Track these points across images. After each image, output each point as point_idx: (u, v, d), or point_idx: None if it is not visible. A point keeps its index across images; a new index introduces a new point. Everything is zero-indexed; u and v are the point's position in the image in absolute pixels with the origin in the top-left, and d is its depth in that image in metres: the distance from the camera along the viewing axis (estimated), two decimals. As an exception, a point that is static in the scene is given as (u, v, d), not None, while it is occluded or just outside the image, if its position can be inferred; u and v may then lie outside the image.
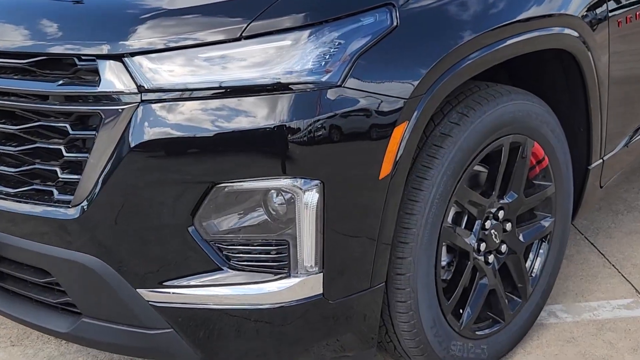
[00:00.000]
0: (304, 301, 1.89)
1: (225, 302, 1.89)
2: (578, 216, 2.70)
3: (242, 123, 1.77)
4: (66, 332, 2.05)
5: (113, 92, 1.80)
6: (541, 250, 2.50)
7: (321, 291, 1.89)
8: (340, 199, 1.85)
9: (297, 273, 1.87)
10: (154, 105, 1.79)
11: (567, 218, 2.53)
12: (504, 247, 2.34)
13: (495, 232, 2.30)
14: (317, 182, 1.80)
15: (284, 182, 1.80)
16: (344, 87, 1.79)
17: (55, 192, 1.92)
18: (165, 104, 1.79)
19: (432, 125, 2.06)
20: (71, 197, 1.88)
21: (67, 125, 1.86)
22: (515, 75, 2.52)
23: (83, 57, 1.84)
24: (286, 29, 1.79)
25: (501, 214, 2.30)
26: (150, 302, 1.91)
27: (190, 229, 1.84)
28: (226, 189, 1.81)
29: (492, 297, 2.35)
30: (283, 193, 1.82)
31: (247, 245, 1.87)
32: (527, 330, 2.50)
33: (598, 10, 2.38)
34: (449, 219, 2.18)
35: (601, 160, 2.64)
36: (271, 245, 1.86)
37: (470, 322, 2.27)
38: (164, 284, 1.90)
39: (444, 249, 2.21)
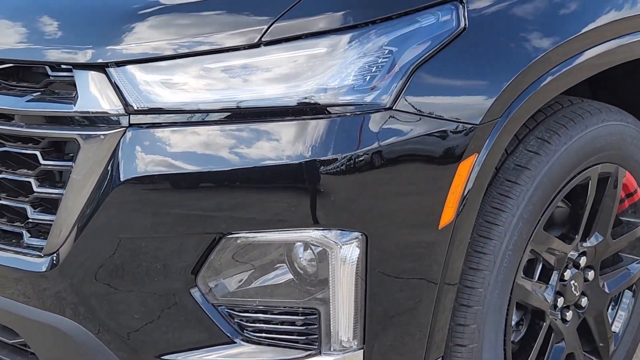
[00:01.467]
0: (336, 385, 1.46)
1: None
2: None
3: (259, 157, 1.34)
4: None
5: (93, 112, 1.37)
6: (625, 301, 2.05)
7: (360, 373, 1.47)
8: (388, 256, 1.41)
9: (330, 349, 1.43)
10: (146, 131, 1.36)
11: (658, 261, 2.08)
12: (584, 301, 1.90)
13: (576, 283, 1.85)
14: (357, 234, 1.36)
15: (314, 234, 1.37)
16: (395, 109, 1.35)
17: (26, 235, 1.51)
18: (161, 129, 1.36)
19: (504, 155, 1.62)
20: (44, 243, 1.47)
21: (38, 153, 1.45)
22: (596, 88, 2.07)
23: (56, 66, 1.42)
24: (320, 32, 1.35)
25: (583, 260, 1.85)
26: (144, 376, 1.50)
27: (192, 290, 1.42)
28: (239, 241, 1.39)
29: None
30: (312, 247, 1.39)
31: (266, 312, 1.44)
32: (609, 395, 2.06)
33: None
34: (521, 272, 1.75)
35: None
36: (297, 314, 1.43)
37: (542, 392, 1.84)
38: (162, 358, 1.49)
39: (513, 308, 1.78)
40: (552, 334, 1.84)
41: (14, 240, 1.52)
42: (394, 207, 1.39)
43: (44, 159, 1.44)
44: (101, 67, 1.37)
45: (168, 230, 1.38)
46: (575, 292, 1.86)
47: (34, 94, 1.44)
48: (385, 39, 1.37)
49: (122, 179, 1.36)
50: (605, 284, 1.95)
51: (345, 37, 1.35)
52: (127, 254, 1.40)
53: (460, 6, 1.43)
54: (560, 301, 1.82)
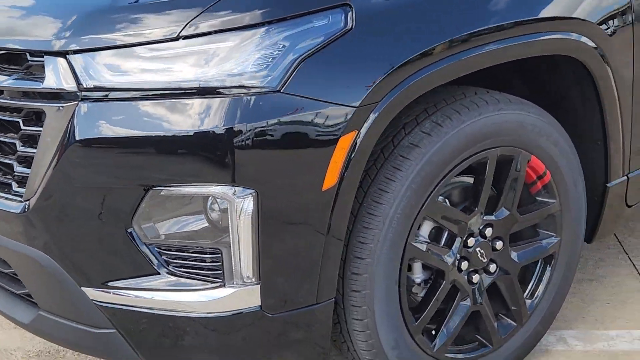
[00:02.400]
0: (239, 312, 1.81)
1: (163, 307, 1.84)
2: (597, 237, 2.47)
3: (176, 126, 1.70)
4: (27, 323, 2.07)
5: (55, 89, 1.78)
6: (543, 272, 2.30)
7: (259, 303, 1.81)
8: (279, 209, 1.75)
9: (232, 283, 1.79)
10: (92, 104, 1.75)
11: (576, 239, 2.31)
12: (492, 267, 2.17)
13: (482, 251, 2.13)
14: (251, 190, 1.72)
15: (217, 190, 1.73)
16: (282, 92, 1.69)
17: (14, 184, 1.93)
18: (104, 103, 1.75)
19: (402, 134, 1.94)
20: (24, 190, 1.89)
21: (20, 120, 1.87)
22: (530, 81, 2.34)
23: (33, 53, 1.84)
24: (227, 29, 1.71)
25: (489, 231, 2.13)
26: (94, 301, 1.89)
27: (129, 230, 1.81)
28: (162, 193, 1.76)
29: (478, 320, 2.20)
30: (218, 200, 1.75)
31: (185, 251, 1.81)
32: (523, 357, 2.31)
33: (616, 13, 2.15)
34: (424, 235, 2.05)
35: (625, 178, 2.39)
36: (207, 253, 1.80)
37: (446, 344, 2.12)
38: (107, 284, 1.88)
39: (418, 266, 2.09)
40: (458, 293, 2.14)
41: (6, 189, 1.96)
42: (282, 170, 1.73)
43: (24, 125, 1.86)
44: (63, 54, 1.77)
45: (108, 181, 1.77)
46: (482, 259, 2.14)
47: (18, 74, 1.86)
48: (281, 36, 1.71)
49: (74, 141, 1.75)
50: (516, 254, 2.21)
51: (248, 34, 1.71)
52: (80, 200, 1.80)
53: (350, 10, 1.76)
54: (465, 265, 2.11)
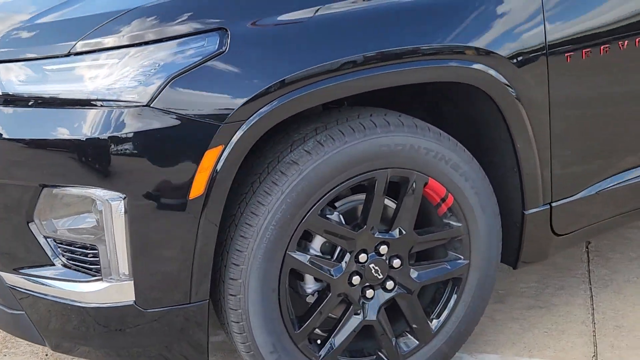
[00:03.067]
0: (115, 305, 1.99)
1: (58, 295, 2.05)
2: (523, 264, 2.48)
3: (62, 133, 1.91)
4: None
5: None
6: (451, 294, 2.35)
7: (133, 299, 1.99)
8: (148, 214, 1.92)
9: (109, 278, 1.98)
10: (6, 108, 1.97)
11: (488, 263, 2.34)
12: (390, 284, 2.25)
13: (377, 267, 2.21)
14: (122, 195, 1.90)
15: (95, 192, 1.92)
16: (151, 107, 1.86)
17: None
18: (12, 108, 1.98)
19: (288, 151, 2.06)
20: None
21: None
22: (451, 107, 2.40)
23: None
24: (110, 48, 1.90)
25: (384, 249, 2.21)
26: (7, 284, 2.13)
27: (30, 224, 2.03)
28: (54, 192, 1.97)
29: (376, 334, 2.27)
30: (98, 202, 1.94)
31: (74, 245, 2.01)
32: (425, 376, 2.37)
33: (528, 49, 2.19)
34: (315, 248, 2.16)
35: (547, 206, 2.40)
36: (90, 249, 1.99)
37: (333, 354, 2.22)
38: (17, 270, 2.11)
39: (310, 277, 2.19)
40: (352, 306, 2.23)
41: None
42: (151, 178, 1.89)
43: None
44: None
45: (12, 178, 1.99)
46: (377, 275, 2.22)
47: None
48: (156, 56, 1.88)
49: (-12, 142, 2.00)
50: (417, 273, 2.28)
51: (127, 53, 1.89)
52: (-8, 194, 2.04)
53: (226, 34, 1.90)
54: (357, 279, 2.20)
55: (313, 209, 2.07)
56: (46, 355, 2.63)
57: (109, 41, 1.90)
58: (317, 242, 2.18)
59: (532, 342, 2.61)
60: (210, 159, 1.91)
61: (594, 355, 2.53)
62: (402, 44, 2.04)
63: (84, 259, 2.01)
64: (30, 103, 1.96)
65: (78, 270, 2.02)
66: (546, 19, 2.21)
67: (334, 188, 2.07)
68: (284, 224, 2.04)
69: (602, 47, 2.30)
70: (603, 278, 2.99)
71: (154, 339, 2.05)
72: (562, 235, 2.50)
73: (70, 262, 2.03)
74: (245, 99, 1.89)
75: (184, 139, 1.89)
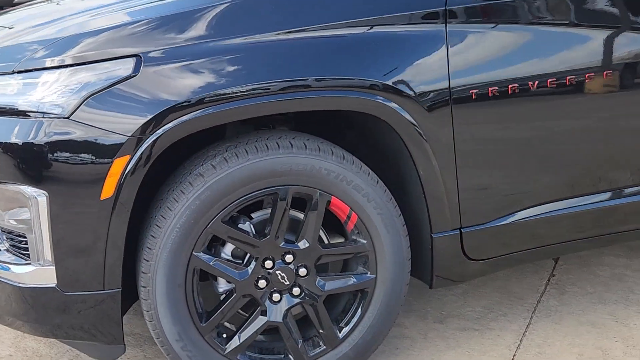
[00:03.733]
0: (41, 286, 2.33)
1: (2, 275, 2.42)
2: (439, 284, 2.65)
3: (1, 137, 2.28)
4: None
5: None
6: (358, 305, 2.55)
7: (55, 282, 2.32)
8: (66, 210, 2.25)
9: (36, 262, 2.32)
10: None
11: (396, 280, 2.54)
12: (296, 291, 2.48)
13: (283, 274, 2.45)
14: (43, 192, 2.24)
15: (24, 189, 2.27)
16: (70, 119, 2.21)
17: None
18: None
19: (198, 165, 2.35)
20: None
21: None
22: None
23: None
24: (41, 69, 2.26)
25: (289, 257, 2.44)
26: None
27: (-18, 215, 2.41)
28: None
29: (284, 334, 2.51)
30: (27, 197, 2.28)
31: (13, 233, 2.37)
32: (331, 378, 2.58)
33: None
34: (227, 252, 2.44)
35: (457, 231, 2.56)
36: (22, 237, 2.34)
37: (239, 349, 2.47)
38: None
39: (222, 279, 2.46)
40: (258, 307, 2.47)
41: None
42: (67, 179, 2.23)
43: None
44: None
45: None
46: (283, 281, 2.46)
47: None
48: (78, 76, 2.22)
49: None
50: (323, 283, 2.50)
51: (55, 73, 2.24)
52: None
53: (140, 61, 2.22)
54: (263, 283, 2.44)
55: (217, 216, 2.34)
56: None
57: (41, 62, 2.27)
58: (229, 248, 2.45)
59: (449, 359, 2.76)
60: (118, 166, 2.22)
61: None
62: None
63: (20, 246, 2.37)
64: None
65: (16, 255, 2.38)
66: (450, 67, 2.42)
67: (237, 199, 2.34)
68: (188, 228, 2.32)
69: (508, 88, 2.47)
70: (549, 309, 3.09)
71: (73, 319, 2.37)
72: (478, 260, 2.66)
73: (12, 247, 2.39)
74: (147, 117, 2.20)
75: (96, 148, 2.21)
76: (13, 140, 2.26)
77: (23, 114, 2.26)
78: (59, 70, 2.25)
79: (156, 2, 2.47)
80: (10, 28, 2.61)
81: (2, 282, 2.40)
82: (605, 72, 2.55)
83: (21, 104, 2.26)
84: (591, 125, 2.63)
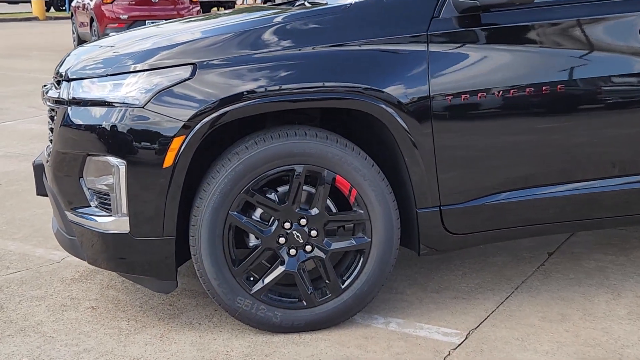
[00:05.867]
0: (119, 232, 3.16)
1: (90, 224, 3.26)
2: (425, 253, 3.33)
3: (96, 120, 3.14)
4: (54, 232, 3.62)
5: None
6: (357, 262, 3.27)
7: (128, 230, 3.14)
8: (138, 175, 3.10)
9: (117, 214, 3.16)
10: (78, 106, 3.26)
11: (387, 243, 3.24)
12: (308, 248, 3.22)
13: (298, 234, 3.20)
14: (123, 161, 3.08)
15: (110, 159, 3.12)
16: (144, 108, 3.06)
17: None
18: (74, 106, 3.25)
19: (237, 145, 3.14)
20: None
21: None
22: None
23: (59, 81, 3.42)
24: (127, 72, 3.12)
25: (303, 221, 3.19)
26: (69, 219, 3.37)
27: (80, 179, 3.26)
28: (92, 158, 3.20)
29: (297, 282, 3.24)
30: (112, 166, 3.13)
31: (100, 193, 3.22)
32: (335, 319, 3.28)
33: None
34: (256, 215, 3.20)
35: (437, 209, 3.24)
36: (107, 195, 3.18)
37: (262, 290, 3.22)
38: (73, 209, 3.34)
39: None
40: (278, 260, 3.22)
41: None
42: (141, 152, 3.07)
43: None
44: (67, 80, 3.32)
45: (71, 149, 3.25)
46: (298, 239, 3.21)
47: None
48: (153, 78, 3.08)
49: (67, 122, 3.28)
50: (331, 243, 3.22)
51: (137, 75, 3.10)
52: (63, 158, 3.30)
53: (195, 67, 3.06)
54: (282, 240, 3.20)
55: (248, 185, 3.13)
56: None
57: (129, 68, 3.13)
58: (258, 212, 3.23)
59: (435, 316, 3.42)
60: (176, 142, 3.05)
61: (473, 329, 3.30)
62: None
63: (105, 202, 3.21)
64: (85, 103, 3.22)
65: (102, 209, 3.23)
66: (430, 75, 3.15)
67: (263, 173, 3.13)
68: (226, 192, 3.12)
69: (478, 95, 3.17)
70: (531, 287, 3.71)
71: (141, 258, 3.19)
72: (457, 234, 3.32)
73: (100, 204, 3.24)
74: (197, 109, 3.03)
75: (161, 128, 3.05)
76: (104, 124, 3.13)
77: (112, 105, 3.13)
78: (137, 74, 3.11)
79: (225, 23, 3.38)
80: (111, 46, 3.51)
81: (91, 229, 3.26)
82: (551, 84, 3.22)
83: (111, 97, 3.13)
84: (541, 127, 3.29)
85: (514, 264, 3.99)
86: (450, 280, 3.82)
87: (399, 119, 3.13)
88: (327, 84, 3.09)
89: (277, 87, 3.07)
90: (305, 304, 3.27)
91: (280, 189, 3.25)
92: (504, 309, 3.48)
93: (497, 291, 3.68)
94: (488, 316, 3.42)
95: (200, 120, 3.05)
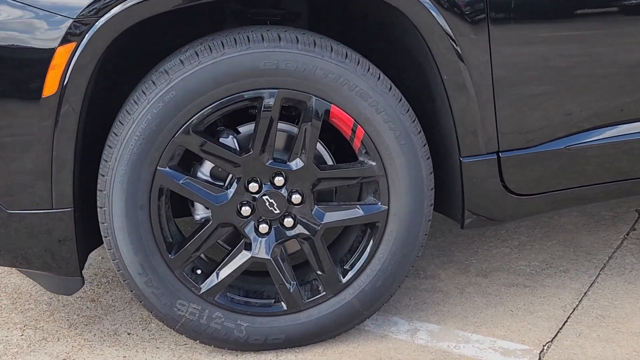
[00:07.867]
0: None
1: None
2: (473, 224, 2.14)
3: None
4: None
5: None
6: (367, 244, 2.08)
7: (-1, 199, 1.96)
8: (5, 112, 1.88)
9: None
10: None
11: (413, 213, 2.04)
12: (288, 221, 2.03)
13: (271, 200, 2.01)
14: (-20, 92, 1.88)
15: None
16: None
17: None
18: None
19: (165, 61, 1.93)
20: None
21: None
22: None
23: None
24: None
25: (279, 180, 1.99)
26: None
27: None
28: None
29: (272, 274, 2.07)
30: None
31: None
32: (333, 329, 2.11)
33: None
34: (204, 172, 2.01)
35: (495, 156, 2.04)
36: None
37: (217, 288, 2.04)
38: None
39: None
40: (242, 239, 2.04)
41: None
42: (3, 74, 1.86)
43: None
44: None
45: None
46: (272, 209, 2.02)
47: None
48: None
49: None
50: (324, 214, 2.04)
51: None
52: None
53: None
54: (247, 211, 2.01)
55: (186, 124, 1.92)
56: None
57: None
58: (207, 166, 2.03)
59: (486, 319, 2.24)
60: (62, 56, 1.82)
61: (548, 342, 2.13)
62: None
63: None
64: None
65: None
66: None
67: (211, 104, 1.91)
68: (150, 136, 1.91)
69: None
70: (624, 266, 2.51)
71: (22, 243, 2.00)
72: (523, 195, 2.12)
73: None
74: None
75: (32, 31, 1.82)
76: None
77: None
78: None
79: None
80: None
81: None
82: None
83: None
84: None
85: (592, 229, 2.78)
86: (503, 255, 2.62)
87: (436, 16, 1.90)
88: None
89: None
90: (285, 307, 2.09)
91: (242, 129, 2.05)
92: (590, 305, 2.30)
93: (575, 273, 2.49)
94: (568, 317, 2.24)
95: (101, 16, 1.82)
